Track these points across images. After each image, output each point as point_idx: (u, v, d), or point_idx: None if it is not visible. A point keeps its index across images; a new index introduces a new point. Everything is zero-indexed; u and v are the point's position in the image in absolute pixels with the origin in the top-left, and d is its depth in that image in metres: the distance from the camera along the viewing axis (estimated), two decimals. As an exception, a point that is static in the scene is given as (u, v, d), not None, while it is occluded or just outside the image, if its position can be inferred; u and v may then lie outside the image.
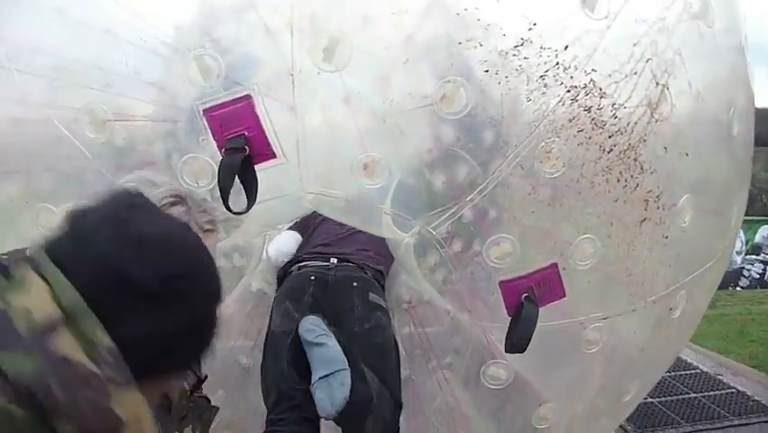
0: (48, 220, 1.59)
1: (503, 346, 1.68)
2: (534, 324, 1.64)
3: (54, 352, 0.62)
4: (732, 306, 5.91)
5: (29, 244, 0.73)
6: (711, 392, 3.94)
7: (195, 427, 1.32)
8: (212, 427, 1.39)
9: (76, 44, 1.56)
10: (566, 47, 1.49)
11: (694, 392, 3.93)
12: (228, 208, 1.40)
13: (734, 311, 5.70)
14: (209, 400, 1.43)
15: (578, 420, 2.10)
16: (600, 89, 1.54)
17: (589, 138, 1.56)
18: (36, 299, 0.65)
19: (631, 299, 1.82)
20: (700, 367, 4.27)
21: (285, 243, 2.48)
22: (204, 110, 1.43)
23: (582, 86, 1.52)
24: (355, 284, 2.09)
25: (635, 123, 1.61)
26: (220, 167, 1.39)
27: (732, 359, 4.53)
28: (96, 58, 1.53)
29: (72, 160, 1.51)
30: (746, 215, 2.28)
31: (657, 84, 1.62)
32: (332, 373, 1.78)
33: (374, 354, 1.99)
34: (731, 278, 6.28)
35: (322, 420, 2.02)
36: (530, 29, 1.46)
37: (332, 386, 1.77)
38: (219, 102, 1.43)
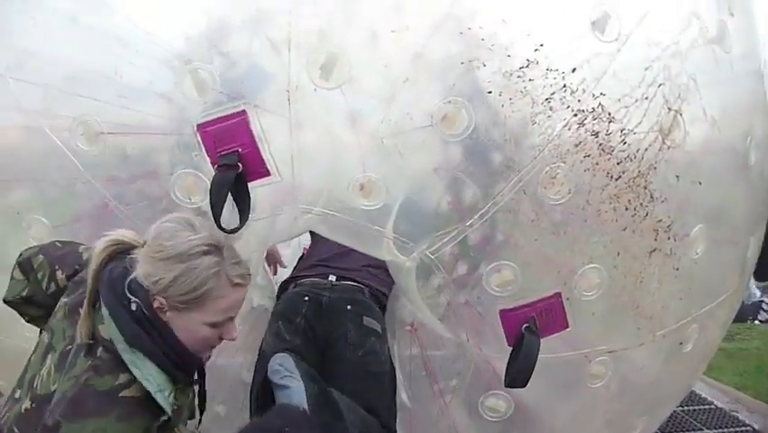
0: (39, 232, 1.57)
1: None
2: (535, 355, 1.58)
3: None
4: (750, 340, 5.73)
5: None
6: (725, 429, 3.80)
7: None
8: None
9: (79, 53, 1.55)
10: (574, 69, 1.44)
11: (707, 428, 3.80)
12: (219, 225, 1.36)
13: (752, 345, 5.53)
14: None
15: (582, 456, 2.02)
16: (609, 114, 1.49)
17: (597, 164, 1.51)
18: None
19: (639, 333, 1.75)
20: (715, 403, 4.13)
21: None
22: (197, 125, 1.40)
23: (590, 110, 1.47)
24: (349, 307, 2.03)
25: (646, 149, 1.55)
26: (212, 183, 1.36)
27: (749, 395, 4.37)
28: (102, 67, 1.51)
29: (64, 170, 1.49)
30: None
31: (669, 110, 1.57)
32: None
33: (366, 382, 1.92)
34: (750, 311, 6.11)
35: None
36: (536, 50, 1.42)
37: None
38: (213, 117, 1.40)
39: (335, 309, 2.03)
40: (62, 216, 1.57)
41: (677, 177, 1.61)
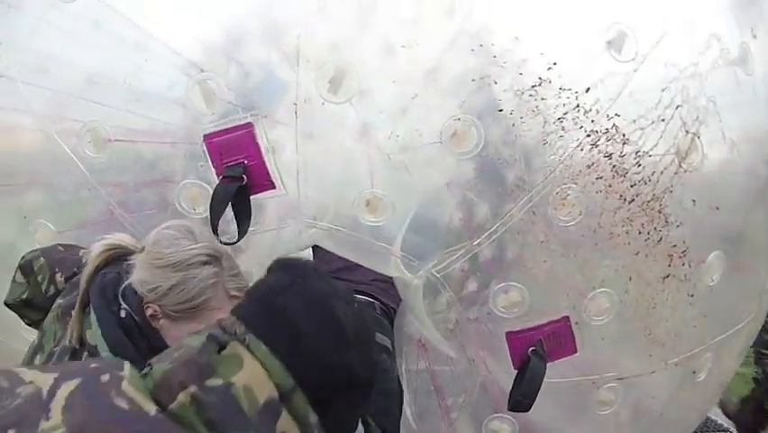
0: (45, 237, 1.57)
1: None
2: (540, 380, 1.54)
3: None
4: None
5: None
6: (742, 458, 3.69)
7: None
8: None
9: (93, 59, 1.55)
10: (588, 89, 1.41)
11: (723, 456, 3.70)
12: (217, 237, 1.35)
13: (772, 370, 5.40)
14: None
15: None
16: (624, 135, 1.46)
17: (609, 186, 1.47)
18: (254, 378, 0.66)
19: (650, 360, 1.70)
20: (731, 430, 4.03)
21: None
22: (204, 136, 1.39)
23: (604, 130, 1.43)
24: None
25: (661, 172, 1.51)
26: (213, 195, 1.35)
27: None
28: (116, 73, 1.51)
29: (71, 176, 1.49)
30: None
31: (687, 132, 1.53)
32: None
33: (375, 400, 1.89)
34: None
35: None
36: (549, 68, 1.39)
37: None
38: (219, 129, 1.39)
39: None
40: (68, 222, 1.57)
41: (693, 201, 1.56)
